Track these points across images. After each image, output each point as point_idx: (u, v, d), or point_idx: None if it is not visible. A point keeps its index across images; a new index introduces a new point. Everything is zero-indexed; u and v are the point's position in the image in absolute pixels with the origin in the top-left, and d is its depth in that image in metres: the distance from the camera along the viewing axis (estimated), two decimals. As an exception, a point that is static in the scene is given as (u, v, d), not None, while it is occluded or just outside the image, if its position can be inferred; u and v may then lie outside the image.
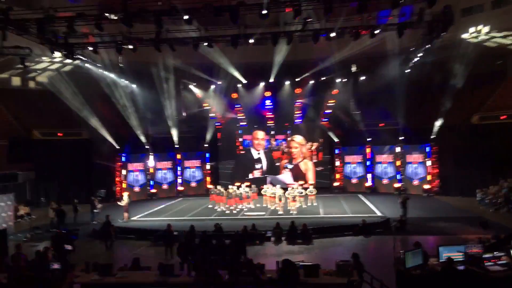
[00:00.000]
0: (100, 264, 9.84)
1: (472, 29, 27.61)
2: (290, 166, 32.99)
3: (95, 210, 22.74)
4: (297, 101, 32.17)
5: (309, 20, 19.37)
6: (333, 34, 20.13)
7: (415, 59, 25.72)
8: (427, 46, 22.50)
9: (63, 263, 9.67)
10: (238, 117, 33.54)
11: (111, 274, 9.34)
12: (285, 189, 25.55)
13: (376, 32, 19.72)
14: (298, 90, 31.59)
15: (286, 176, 32.84)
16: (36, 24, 17.84)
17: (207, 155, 33.79)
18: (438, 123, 28.46)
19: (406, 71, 27.98)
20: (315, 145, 33.04)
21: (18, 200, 23.88)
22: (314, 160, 32.88)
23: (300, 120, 33.21)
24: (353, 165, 32.05)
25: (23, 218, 23.43)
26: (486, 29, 27.39)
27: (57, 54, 22.63)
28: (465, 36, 27.95)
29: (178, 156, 32.74)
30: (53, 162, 29.35)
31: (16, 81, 34.49)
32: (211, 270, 8.58)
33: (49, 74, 33.18)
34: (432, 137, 28.73)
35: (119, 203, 23.14)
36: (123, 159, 30.49)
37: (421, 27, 20.38)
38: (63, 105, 29.90)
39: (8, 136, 29.08)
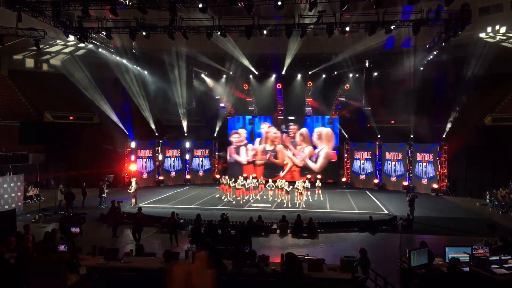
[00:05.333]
0: (106, 249, 9.93)
1: (489, 29, 27.16)
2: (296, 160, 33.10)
3: (103, 195, 22.94)
4: (308, 94, 31.99)
5: (324, 13, 19.18)
6: (347, 28, 19.93)
7: (430, 57, 25.41)
8: (442, 44, 22.20)
9: (70, 246, 9.77)
10: (248, 108, 33.50)
11: (116, 258, 9.42)
12: (292, 182, 25.56)
13: (391, 27, 19.48)
14: (309, 84, 31.40)
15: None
16: (51, 6, 17.90)
17: (216, 145, 33.95)
18: (450, 123, 28.15)
19: (420, 68, 27.68)
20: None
21: (28, 181, 24.14)
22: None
23: (309, 114, 33.08)
24: (361, 161, 31.91)
25: (32, 199, 23.74)
26: (503, 29, 26.93)
27: (71, 38, 22.70)
28: (482, 35, 27.52)
29: (187, 145, 32.85)
30: (63, 145, 29.58)
31: (29, 63, 34.76)
32: (216, 259, 8.61)
33: (62, 57, 33.41)
34: (443, 136, 28.43)
35: (128, 190, 23.24)
36: (132, 145, 30.63)
37: (438, 25, 20.10)
38: (75, 88, 30.11)
39: (20, 118, 29.34)
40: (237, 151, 33.93)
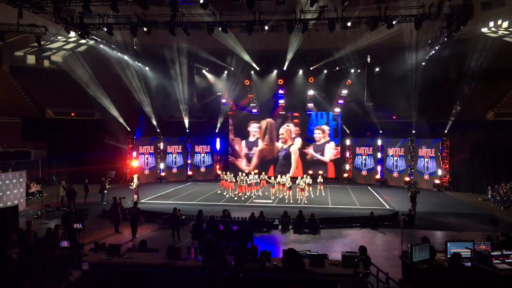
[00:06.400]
0: (109, 244, 9.95)
1: (491, 24, 27.04)
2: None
3: (105, 191, 22.97)
4: (310, 90, 31.93)
5: (325, 8, 19.11)
6: (349, 24, 19.85)
7: (432, 52, 25.32)
8: (444, 39, 22.11)
9: (72, 242, 9.79)
10: (250, 104, 33.43)
11: (119, 254, 9.44)
12: (294, 178, 25.55)
13: (393, 23, 19.39)
14: (311, 79, 31.32)
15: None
16: (52, 2, 17.87)
17: (218, 141, 33.90)
18: (452, 118, 28.07)
19: (422, 64, 27.59)
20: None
21: (30, 177, 24.21)
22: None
23: (311, 110, 33.04)
24: (363, 156, 31.86)
25: (34, 195, 23.81)
26: (505, 24, 26.81)
27: (72, 34, 22.69)
28: (484, 30, 27.41)
29: (188, 141, 32.86)
30: (65, 141, 29.64)
31: (31, 59, 34.79)
32: (218, 255, 8.61)
33: (64, 54, 33.40)
34: (445, 131, 28.36)
35: (130, 186, 23.24)
36: (134, 141, 30.64)
37: (440, 20, 20.02)
38: (77, 85, 30.12)
39: (21, 114, 29.37)
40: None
